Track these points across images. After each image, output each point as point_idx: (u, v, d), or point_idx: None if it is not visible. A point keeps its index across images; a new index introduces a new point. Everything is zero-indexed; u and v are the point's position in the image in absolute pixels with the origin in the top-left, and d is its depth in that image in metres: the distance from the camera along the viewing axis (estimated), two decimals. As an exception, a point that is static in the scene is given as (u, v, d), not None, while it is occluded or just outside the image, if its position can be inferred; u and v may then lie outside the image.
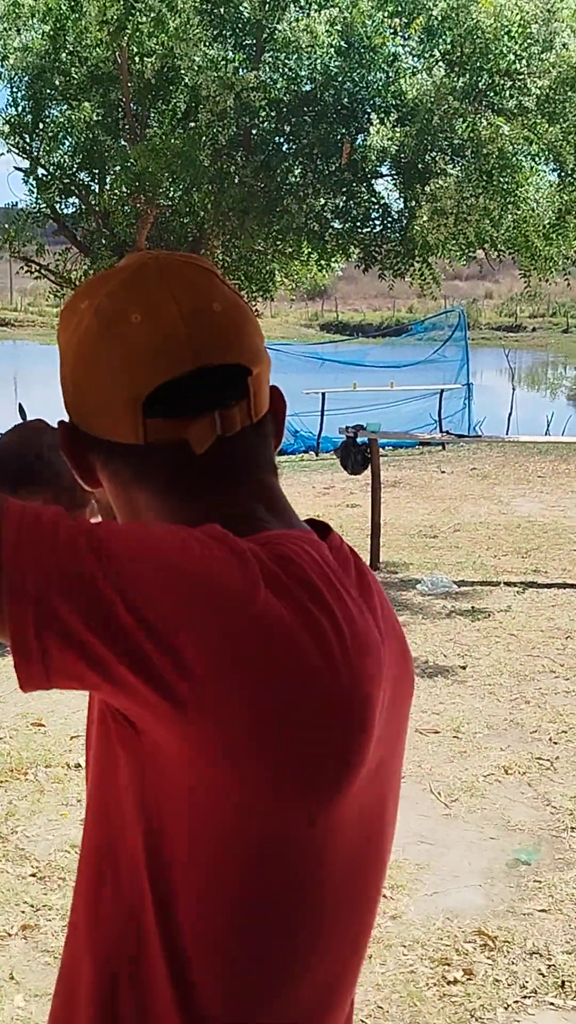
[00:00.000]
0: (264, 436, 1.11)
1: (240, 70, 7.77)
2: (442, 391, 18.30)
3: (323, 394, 17.49)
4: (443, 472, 14.72)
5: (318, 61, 7.43)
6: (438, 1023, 3.24)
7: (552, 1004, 3.33)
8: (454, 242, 8.11)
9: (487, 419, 19.42)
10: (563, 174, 7.83)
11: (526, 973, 3.48)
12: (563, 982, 3.42)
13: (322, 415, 17.36)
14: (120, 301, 1.06)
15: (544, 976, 3.47)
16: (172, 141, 7.66)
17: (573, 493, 12.94)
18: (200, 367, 1.04)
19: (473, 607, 7.88)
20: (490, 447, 15.91)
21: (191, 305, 1.05)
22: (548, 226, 7.73)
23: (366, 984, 3.40)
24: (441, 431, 15.48)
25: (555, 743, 5.40)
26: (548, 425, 20.43)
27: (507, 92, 7.35)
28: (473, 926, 3.75)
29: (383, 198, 8.27)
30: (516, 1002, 3.34)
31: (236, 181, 7.67)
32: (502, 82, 7.34)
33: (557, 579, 8.76)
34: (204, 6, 7.81)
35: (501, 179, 7.32)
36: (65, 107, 8.86)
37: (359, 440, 9.01)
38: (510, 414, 19.96)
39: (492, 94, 7.50)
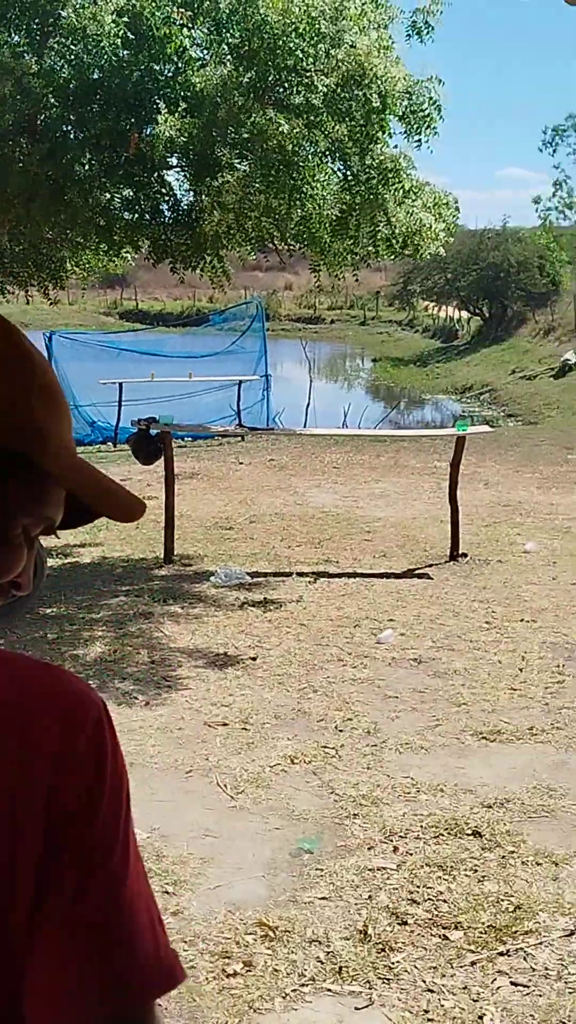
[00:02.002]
0: None
1: (25, 55, 7.59)
2: (240, 382, 18.39)
3: (120, 384, 17.33)
4: (241, 463, 14.82)
5: (105, 49, 7.31)
6: (216, 1017, 3.25)
7: (329, 990, 3.40)
8: (242, 236, 8.14)
9: (286, 410, 19.64)
10: (348, 174, 7.95)
11: (305, 961, 3.54)
12: (340, 968, 3.50)
13: (119, 405, 17.20)
14: None
15: (322, 963, 3.53)
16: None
17: (366, 483, 13.24)
18: None
19: (265, 598, 7.96)
20: (288, 438, 16.10)
21: None
22: (334, 224, 7.84)
23: (145, 983, 3.39)
24: (239, 422, 15.56)
25: (340, 731, 5.51)
26: (345, 416, 20.82)
27: (294, 88, 7.41)
28: (255, 917, 3.79)
29: (173, 190, 8.22)
30: (294, 990, 3.39)
31: (20, 168, 7.48)
32: (290, 78, 7.39)
33: (347, 568, 8.94)
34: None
35: (286, 176, 7.37)
36: None
37: (152, 432, 8.96)
38: (308, 405, 20.24)
39: (280, 90, 7.54)
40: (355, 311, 57.55)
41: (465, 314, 46.23)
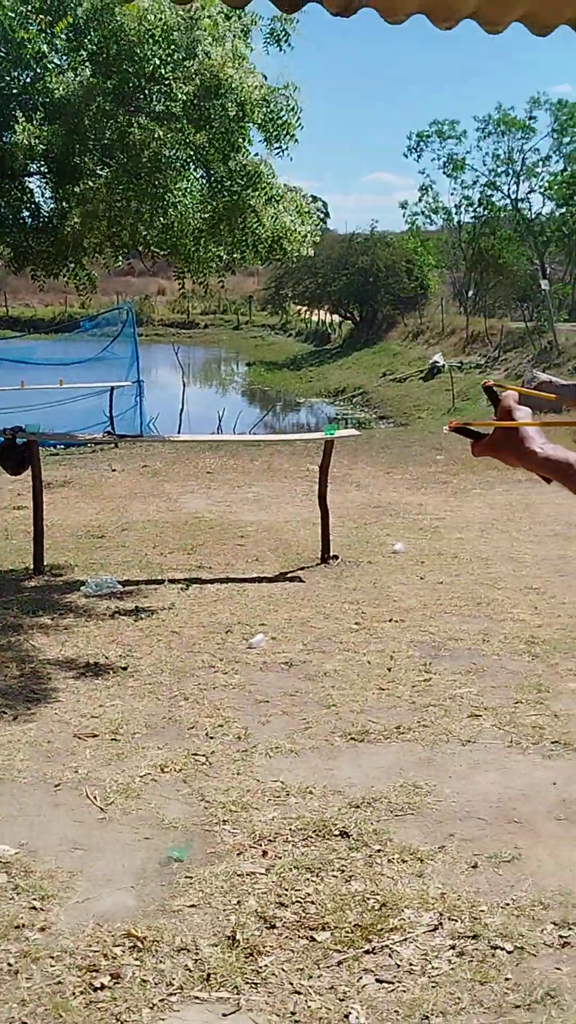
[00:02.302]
0: None
1: None
2: (113, 388, 18.27)
3: (-11, 393, 17.06)
4: (114, 470, 14.72)
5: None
6: (83, 1031, 3.24)
7: (197, 998, 3.41)
8: (107, 243, 8.10)
9: (160, 415, 19.57)
10: (212, 181, 7.98)
11: (173, 970, 3.55)
12: (208, 975, 3.51)
13: (-11, 415, 16.90)
14: None
15: (191, 971, 3.54)
16: None
17: (239, 488, 13.29)
18: None
19: (137, 606, 7.93)
20: (162, 444, 16.04)
21: None
22: (200, 231, 7.86)
23: (10, 1001, 3.36)
24: (111, 429, 15.45)
25: (211, 738, 5.52)
26: (220, 421, 20.86)
27: (154, 96, 7.40)
28: (123, 929, 3.78)
29: (34, 197, 8.13)
30: (162, 1000, 3.39)
31: None
32: (149, 86, 7.38)
33: (220, 574, 8.97)
34: None
35: (150, 183, 7.37)
36: None
37: (18, 441, 8.84)
38: (182, 410, 20.22)
39: (141, 97, 7.53)
40: (228, 315, 57.67)
41: (337, 318, 46.78)
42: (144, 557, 9.56)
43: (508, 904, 3.93)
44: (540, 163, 39.65)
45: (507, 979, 3.49)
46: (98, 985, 3.45)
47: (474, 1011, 3.32)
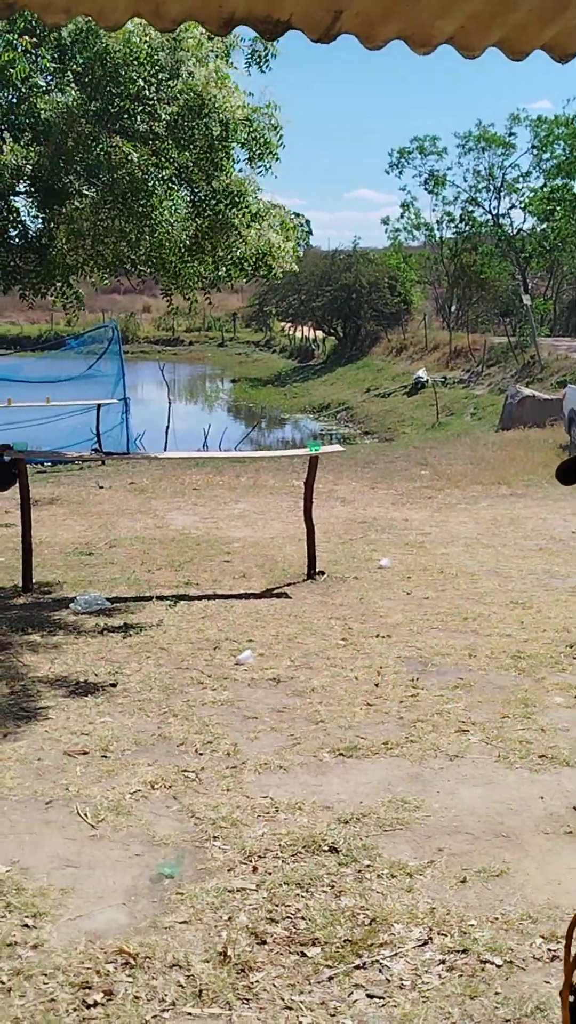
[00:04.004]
0: None
1: None
2: (99, 406, 18.31)
3: (-25, 411, 17.06)
4: (101, 487, 14.73)
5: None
6: (77, 1049, 3.25)
7: (189, 1014, 3.43)
8: (93, 263, 8.15)
9: (147, 432, 19.63)
10: (196, 199, 8.05)
11: (165, 986, 3.57)
12: (200, 991, 3.53)
13: (-26, 433, 16.91)
14: None
15: (183, 987, 3.56)
16: None
17: (226, 504, 13.32)
18: None
19: (125, 623, 7.94)
20: (149, 461, 16.07)
21: None
22: (184, 248, 7.92)
23: (3, 1019, 3.37)
24: (98, 447, 15.48)
25: (201, 754, 5.54)
26: (206, 437, 20.92)
27: (138, 117, 7.47)
28: (115, 945, 3.79)
29: (21, 217, 8.18)
30: (155, 1016, 3.41)
31: None
32: (133, 107, 7.45)
33: (208, 590, 8.99)
34: None
35: (135, 202, 7.43)
36: None
37: (5, 458, 8.86)
38: (168, 427, 20.27)
39: (124, 118, 7.59)
40: (213, 333, 57.83)
41: (320, 334, 46.95)
42: (132, 574, 9.58)
43: (497, 918, 3.96)
44: (520, 179, 39.98)
45: (497, 993, 3.52)
46: (91, 1002, 3.47)
47: (464, 1024, 3.35)
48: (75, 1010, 3.43)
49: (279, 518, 12.32)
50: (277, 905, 4.05)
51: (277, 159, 8.05)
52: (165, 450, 17.37)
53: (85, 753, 5.55)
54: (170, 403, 22.20)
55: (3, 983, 3.57)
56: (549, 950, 3.76)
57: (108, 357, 20.49)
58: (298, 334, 50.73)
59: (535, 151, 39.01)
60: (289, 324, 50.96)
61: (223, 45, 7.81)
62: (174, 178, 7.89)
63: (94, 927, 3.94)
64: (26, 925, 3.93)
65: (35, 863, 4.41)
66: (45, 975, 3.62)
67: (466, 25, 2.44)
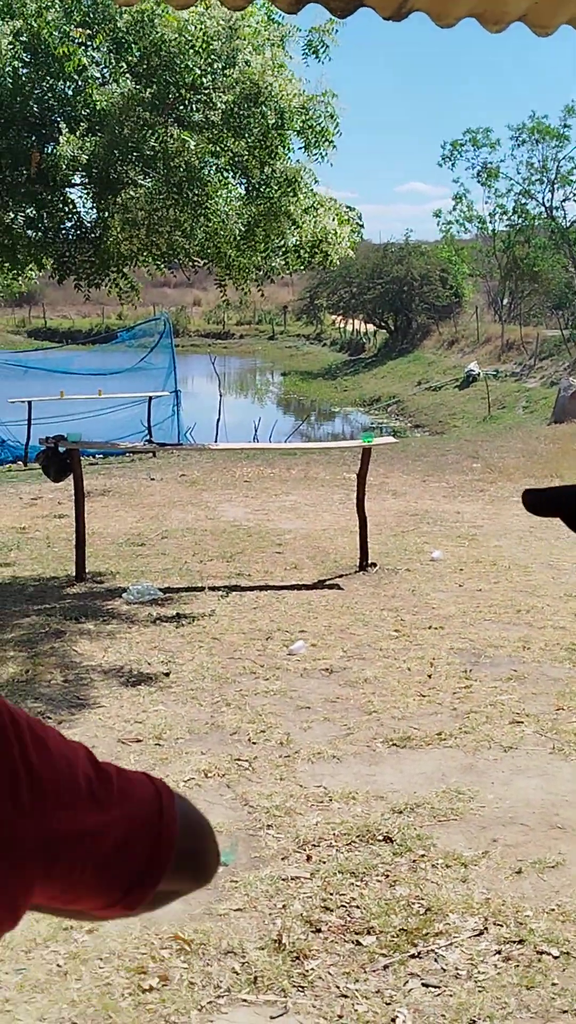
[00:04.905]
0: None
1: None
2: (150, 398, 18.37)
3: (29, 403, 17.20)
4: (152, 479, 14.80)
5: (3, 69, 7.30)
6: (132, 1032, 3.26)
7: (245, 1000, 3.43)
8: (147, 253, 8.17)
9: (197, 425, 19.67)
10: (250, 187, 8.05)
11: (220, 973, 3.57)
12: (255, 978, 3.53)
13: (29, 424, 17.07)
14: None
15: (238, 974, 3.56)
16: None
17: (276, 496, 13.32)
18: None
19: (178, 613, 7.97)
20: (200, 453, 16.12)
21: None
22: (238, 237, 7.91)
23: (60, 1002, 3.39)
24: (149, 438, 15.54)
25: (254, 743, 5.55)
26: (256, 430, 20.92)
27: (193, 106, 7.47)
28: (170, 932, 3.80)
29: (76, 208, 8.21)
30: (210, 1002, 3.41)
31: None
32: (189, 96, 7.45)
33: (259, 581, 8.99)
34: None
35: (190, 191, 7.44)
36: None
37: (60, 449, 8.93)
38: (218, 420, 20.29)
39: (180, 107, 7.60)
40: (263, 326, 57.86)
41: (371, 327, 46.77)
42: (184, 565, 9.61)
43: (553, 909, 3.92)
44: (574, 171, 39.49)
45: (553, 984, 3.48)
46: (147, 987, 3.48)
47: (521, 1016, 3.32)
48: (131, 994, 3.44)
49: (330, 510, 12.30)
50: (331, 894, 4.04)
51: (333, 147, 8.01)
52: (216, 442, 17.39)
53: (139, 741, 5.57)
54: (221, 396, 22.22)
55: (60, 966, 3.59)
56: (607, 943, 3.72)
57: (159, 350, 20.56)
58: (349, 327, 50.59)
59: (590, 143, 38.52)
60: (340, 317, 50.82)
61: (279, 34, 7.78)
62: (229, 166, 7.88)
63: (149, 913, 3.93)
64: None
65: (90, 848, 4.42)
66: (101, 959, 3.64)
67: (540, 1, 2.40)
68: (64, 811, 0.94)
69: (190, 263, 8.62)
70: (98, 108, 7.51)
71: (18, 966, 3.60)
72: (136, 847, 0.99)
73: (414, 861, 4.28)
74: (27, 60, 7.41)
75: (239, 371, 44.81)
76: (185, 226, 7.66)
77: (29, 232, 8.31)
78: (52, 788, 0.93)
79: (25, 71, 7.54)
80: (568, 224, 39.72)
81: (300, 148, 8.09)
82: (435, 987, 3.48)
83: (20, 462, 17.04)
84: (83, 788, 0.96)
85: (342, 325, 51.50)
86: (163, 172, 7.49)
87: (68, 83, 7.75)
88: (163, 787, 1.03)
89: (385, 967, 3.58)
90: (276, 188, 7.94)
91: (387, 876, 4.17)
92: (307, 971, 3.56)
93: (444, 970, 3.57)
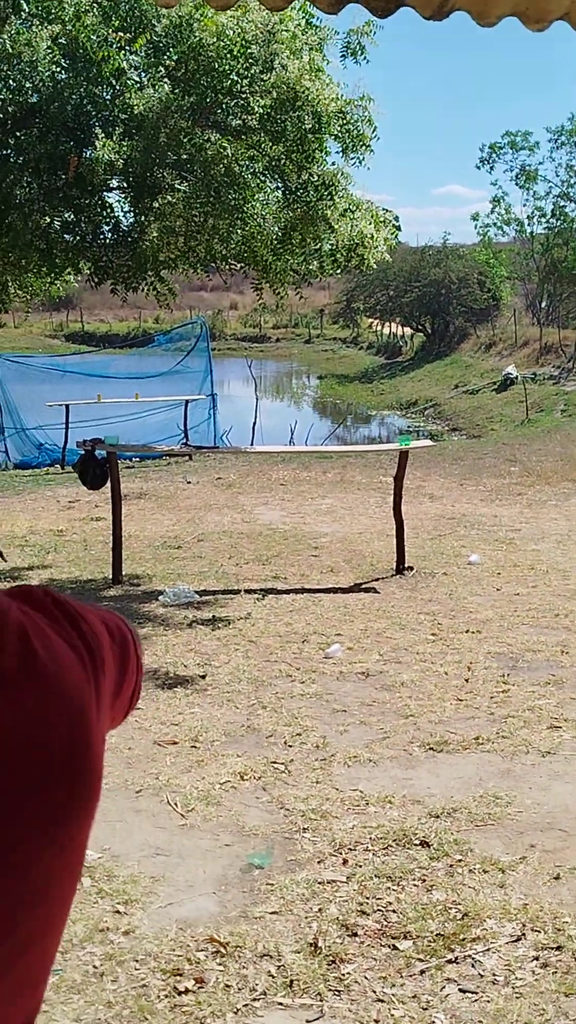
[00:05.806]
0: None
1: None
2: (187, 402, 18.43)
3: (67, 406, 17.30)
4: (188, 482, 14.83)
5: (42, 73, 7.35)
6: (168, 1034, 3.26)
7: (281, 1004, 3.42)
8: (185, 257, 8.19)
9: (233, 428, 19.71)
10: (287, 191, 8.05)
11: (256, 976, 3.56)
12: (291, 981, 3.52)
13: (66, 427, 17.18)
14: None
15: (273, 977, 3.55)
16: None
17: (312, 500, 13.31)
18: None
19: (214, 616, 7.98)
20: (236, 456, 16.15)
21: None
22: (276, 241, 7.92)
23: (96, 1003, 3.40)
24: (186, 442, 15.59)
25: (290, 746, 5.54)
26: (292, 433, 20.92)
27: (231, 110, 7.49)
28: (206, 934, 3.80)
29: (114, 212, 8.24)
30: (246, 1005, 3.41)
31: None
32: (226, 100, 7.46)
33: (295, 584, 8.99)
34: None
35: (228, 196, 7.45)
36: None
37: (97, 453, 8.96)
38: (255, 423, 20.32)
39: (217, 111, 7.61)
40: (300, 329, 57.86)
41: (408, 330, 46.64)
42: (220, 568, 9.62)
43: (592, 916, 3.88)
44: (614, 174, 39.18)
45: (593, 991, 3.45)
46: (182, 989, 3.47)
47: (559, 1022, 3.29)
48: (167, 996, 3.44)
49: (366, 514, 12.28)
50: (368, 898, 4.02)
51: (371, 151, 7.99)
52: (252, 445, 17.39)
53: (175, 743, 5.58)
54: (257, 399, 22.25)
55: (96, 967, 3.60)
56: None
57: (196, 353, 20.63)
58: (386, 330, 50.50)
59: (630, 145, 38.23)
60: (376, 320, 50.75)
61: (317, 38, 7.77)
62: (266, 170, 7.89)
63: (184, 915, 3.95)
64: (117, 911, 3.95)
65: (126, 851, 4.44)
66: (137, 961, 3.64)
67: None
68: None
69: (227, 267, 8.64)
70: (135, 112, 7.54)
71: (55, 967, 3.61)
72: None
73: (451, 866, 4.26)
74: (65, 65, 7.45)
75: (275, 374, 44.82)
76: (222, 230, 7.68)
77: (67, 236, 8.37)
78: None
79: (63, 76, 7.58)
80: (607, 227, 39.42)
81: (337, 152, 8.09)
82: (472, 993, 3.45)
83: (57, 465, 17.14)
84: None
85: (379, 328, 51.41)
86: (201, 176, 7.51)
87: (106, 87, 7.79)
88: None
89: (422, 972, 3.56)
90: (313, 192, 7.94)
91: (424, 881, 4.14)
92: (343, 975, 3.55)
93: (481, 976, 3.54)
